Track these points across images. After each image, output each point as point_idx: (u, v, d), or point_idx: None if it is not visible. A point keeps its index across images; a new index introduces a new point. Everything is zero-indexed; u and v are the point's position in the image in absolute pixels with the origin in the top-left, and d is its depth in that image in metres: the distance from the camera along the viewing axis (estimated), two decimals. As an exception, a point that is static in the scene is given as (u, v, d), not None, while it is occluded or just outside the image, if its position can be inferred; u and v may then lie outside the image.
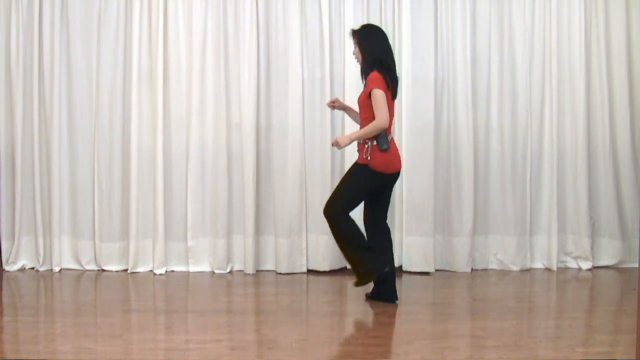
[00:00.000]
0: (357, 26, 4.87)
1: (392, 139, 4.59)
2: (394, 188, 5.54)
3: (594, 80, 5.67)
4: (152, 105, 5.48)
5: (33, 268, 5.56)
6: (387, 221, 4.76)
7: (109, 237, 5.54)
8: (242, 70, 5.47)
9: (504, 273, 5.56)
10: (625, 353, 3.60)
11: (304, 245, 5.53)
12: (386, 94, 4.46)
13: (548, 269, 5.64)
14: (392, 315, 4.52)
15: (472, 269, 5.60)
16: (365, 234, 4.65)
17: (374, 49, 4.58)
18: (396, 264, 5.60)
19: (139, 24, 5.44)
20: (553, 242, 5.62)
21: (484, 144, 5.64)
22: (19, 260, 5.54)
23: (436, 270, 5.57)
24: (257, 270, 5.55)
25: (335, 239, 4.63)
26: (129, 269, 5.51)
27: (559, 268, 5.63)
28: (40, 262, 5.50)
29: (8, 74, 5.47)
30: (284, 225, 5.50)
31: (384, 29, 5.53)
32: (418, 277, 5.46)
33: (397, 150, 4.63)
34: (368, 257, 4.53)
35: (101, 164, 5.52)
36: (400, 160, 4.61)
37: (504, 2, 5.62)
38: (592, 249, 5.66)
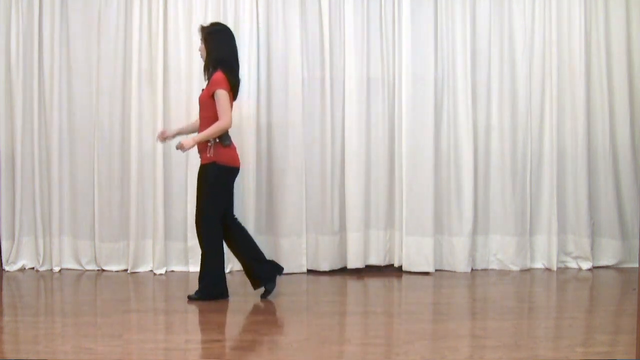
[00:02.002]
0: (206, 23, 4.91)
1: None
2: (393, 188, 5.60)
3: (594, 80, 5.67)
4: (152, 105, 5.47)
5: (33, 268, 5.55)
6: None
7: (109, 237, 5.54)
8: (242, 70, 5.46)
9: (504, 273, 5.55)
10: (625, 353, 3.60)
11: (304, 246, 5.52)
12: (229, 94, 4.53)
13: (548, 269, 5.64)
14: (392, 315, 4.52)
15: (472, 269, 5.60)
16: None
17: (219, 48, 4.63)
18: (396, 264, 5.62)
19: (139, 24, 5.44)
20: (553, 242, 5.62)
21: (484, 143, 5.64)
22: (19, 260, 5.54)
23: (436, 270, 5.56)
24: (257, 270, 5.55)
25: (202, 246, 4.66)
26: (129, 269, 5.51)
27: (559, 268, 5.63)
28: (40, 262, 5.50)
29: (8, 74, 5.47)
30: (284, 225, 5.50)
31: (383, 29, 5.58)
32: (418, 277, 5.46)
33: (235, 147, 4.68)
34: (221, 280, 4.68)
35: (101, 164, 5.52)
36: (239, 157, 4.68)
37: (504, 2, 5.62)
38: (592, 249, 5.66)
